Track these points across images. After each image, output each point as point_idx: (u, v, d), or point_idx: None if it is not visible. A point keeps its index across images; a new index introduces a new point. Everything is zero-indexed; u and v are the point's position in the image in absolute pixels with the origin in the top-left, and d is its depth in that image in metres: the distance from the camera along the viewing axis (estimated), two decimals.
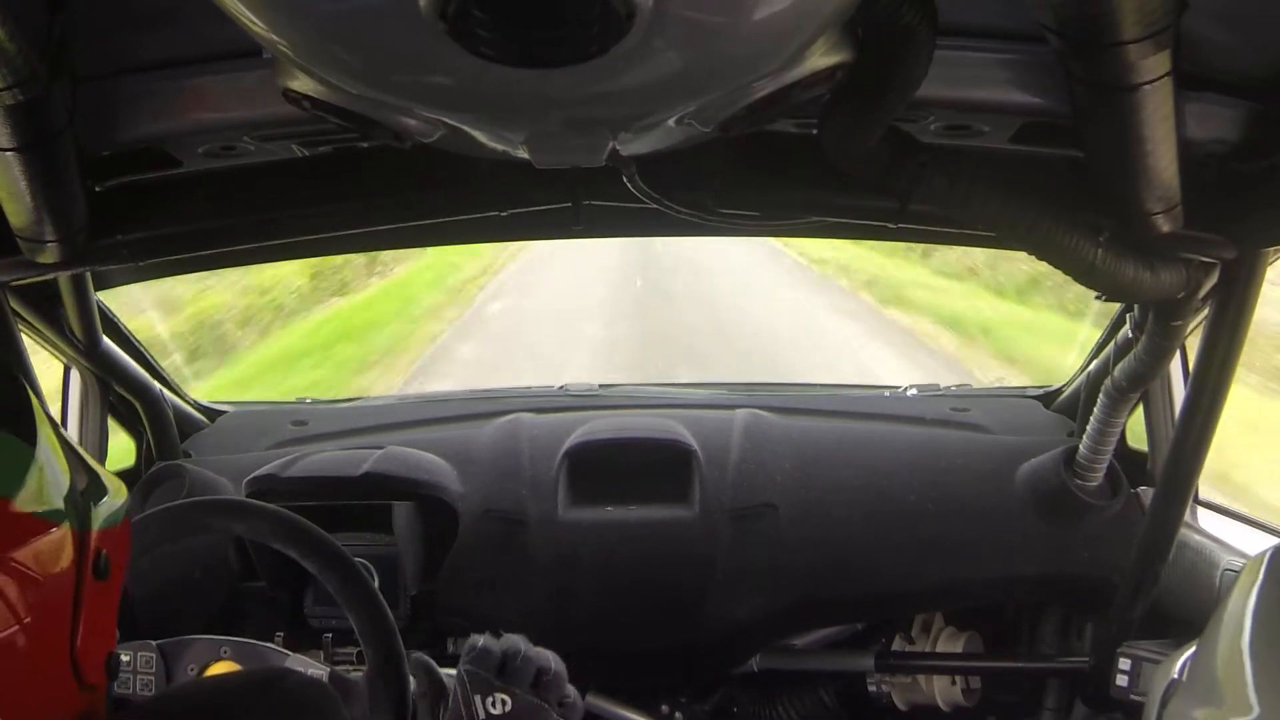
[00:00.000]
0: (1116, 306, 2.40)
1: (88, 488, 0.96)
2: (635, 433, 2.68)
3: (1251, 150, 1.51)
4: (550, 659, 1.54)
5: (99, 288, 2.40)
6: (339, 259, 12.33)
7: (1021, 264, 11.70)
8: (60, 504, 0.90)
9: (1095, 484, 2.47)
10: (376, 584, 1.71)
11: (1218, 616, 1.20)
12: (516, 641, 1.56)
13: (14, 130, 1.36)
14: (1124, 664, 2.23)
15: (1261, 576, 1.16)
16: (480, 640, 1.55)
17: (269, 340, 12.64)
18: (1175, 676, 1.39)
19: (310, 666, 1.80)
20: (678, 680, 2.81)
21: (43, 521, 0.87)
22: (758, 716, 2.83)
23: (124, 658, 1.75)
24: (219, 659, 1.80)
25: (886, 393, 3.23)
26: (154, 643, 1.79)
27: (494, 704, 1.48)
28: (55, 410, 2.33)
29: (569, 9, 0.93)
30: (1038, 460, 2.55)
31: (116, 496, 1.01)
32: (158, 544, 1.66)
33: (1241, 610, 1.13)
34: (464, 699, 1.47)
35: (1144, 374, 2.16)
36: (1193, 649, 1.39)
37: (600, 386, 3.18)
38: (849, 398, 3.18)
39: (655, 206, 1.87)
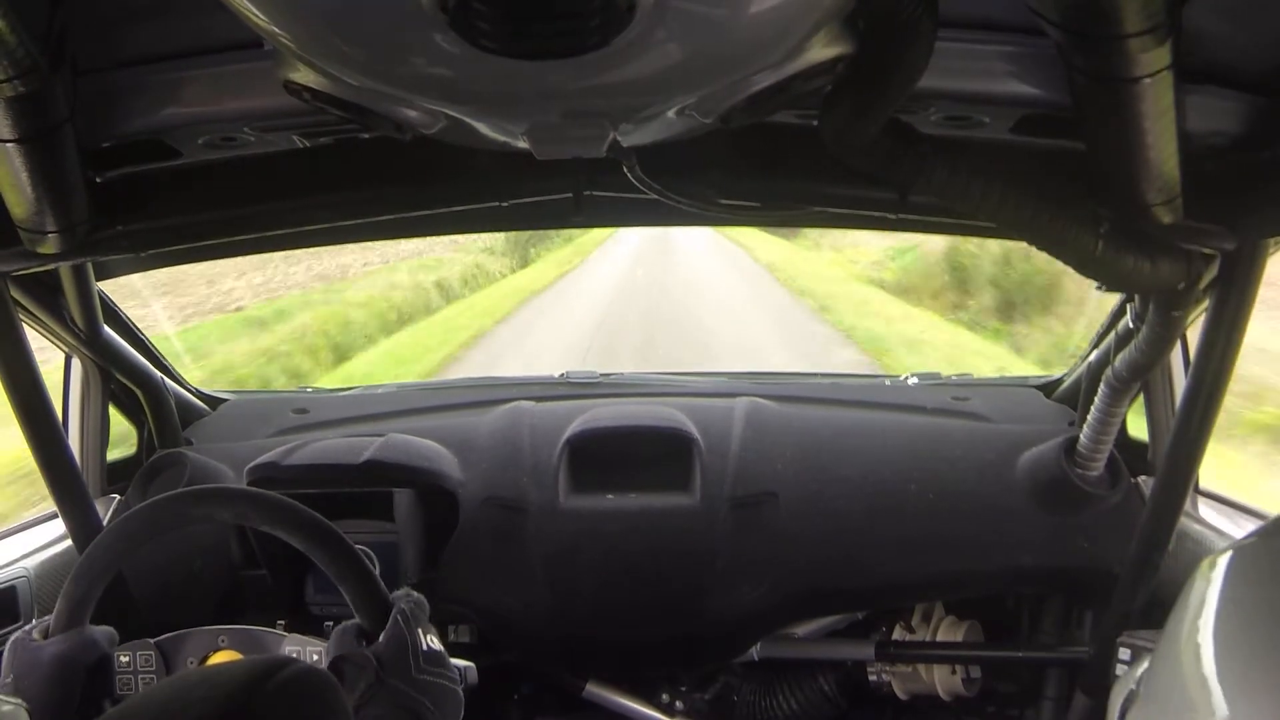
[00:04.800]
0: (1117, 296, 2.40)
1: None
2: (636, 421, 2.68)
3: (1252, 142, 1.51)
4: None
5: (100, 277, 2.41)
6: None
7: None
8: None
9: (1096, 474, 2.47)
10: (378, 571, 1.71)
11: (1174, 625, 1.20)
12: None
13: (15, 122, 1.36)
14: (1124, 654, 2.23)
15: (1221, 580, 1.15)
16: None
17: None
18: (1132, 688, 1.38)
19: (308, 645, 1.80)
20: (678, 669, 2.82)
21: None
22: (758, 705, 2.84)
23: (123, 658, 1.75)
24: (218, 649, 1.80)
25: (887, 381, 3.23)
26: (151, 641, 1.79)
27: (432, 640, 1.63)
28: (56, 399, 2.33)
29: (570, 1, 0.93)
30: (1038, 450, 2.55)
31: None
32: (145, 539, 1.65)
33: (1201, 614, 1.12)
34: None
35: (1144, 364, 2.16)
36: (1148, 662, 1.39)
37: (601, 375, 3.18)
38: (850, 386, 3.18)
39: (656, 197, 1.87)
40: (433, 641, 1.62)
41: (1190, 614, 1.15)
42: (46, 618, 1.63)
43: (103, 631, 1.69)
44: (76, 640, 1.62)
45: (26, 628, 1.65)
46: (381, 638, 1.57)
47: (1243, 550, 1.20)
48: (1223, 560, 1.18)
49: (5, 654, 1.62)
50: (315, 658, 1.77)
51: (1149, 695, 1.24)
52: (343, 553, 1.60)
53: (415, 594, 1.68)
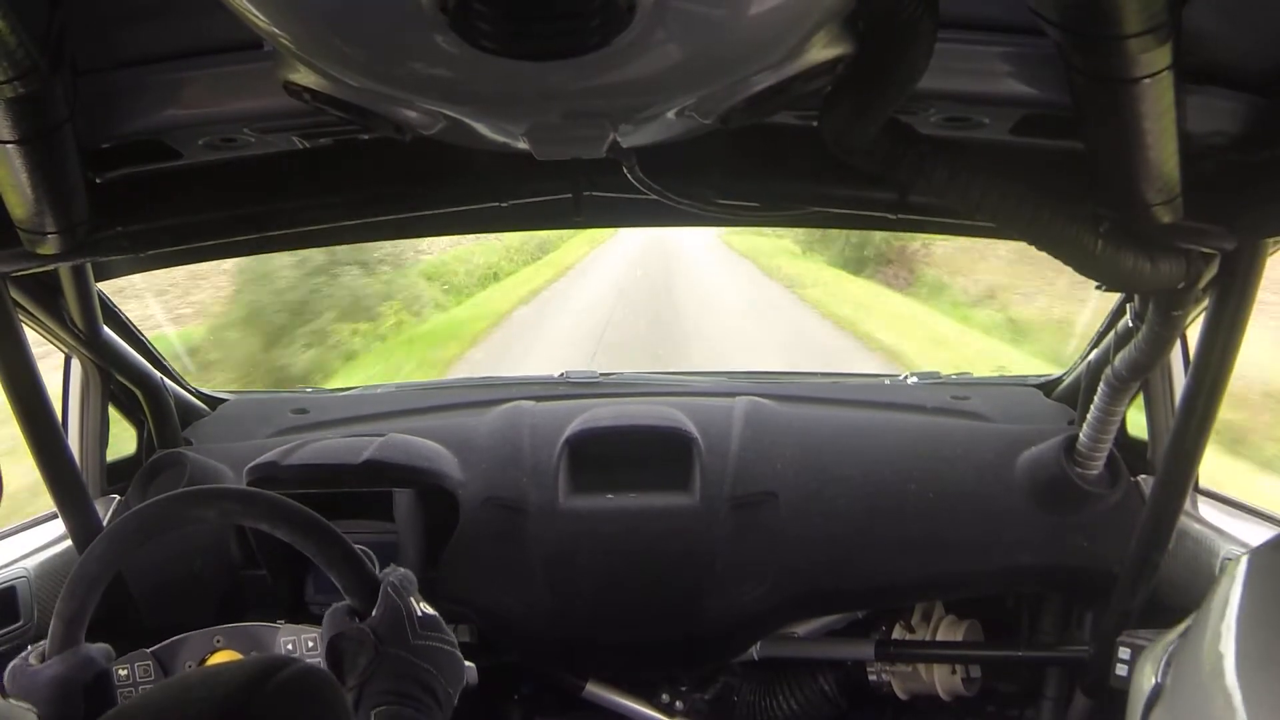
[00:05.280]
0: (1117, 295, 2.40)
1: None
2: (636, 420, 2.68)
3: (1252, 142, 1.51)
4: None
5: (99, 278, 2.41)
6: None
7: None
8: None
9: (1095, 473, 2.47)
10: (378, 570, 1.71)
11: (1199, 625, 1.20)
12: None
13: (15, 123, 1.36)
14: (1124, 653, 2.24)
15: (1240, 588, 1.15)
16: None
17: None
18: (1157, 681, 1.38)
19: (303, 632, 1.80)
20: (678, 669, 2.82)
21: None
22: (758, 705, 2.84)
23: (121, 672, 1.75)
24: (215, 650, 1.80)
25: (887, 381, 3.23)
26: (148, 651, 1.79)
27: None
28: (56, 399, 2.33)
29: (570, 1, 0.93)
30: (1038, 449, 2.55)
31: None
32: (134, 548, 1.65)
33: (1223, 622, 1.13)
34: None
35: (1144, 364, 2.16)
36: (1172, 645, 1.39)
37: (601, 374, 3.18)
38: (849, 385, 3.17)
39: (655, 198, 1.87)
40: (426, 608, 1.62)
41: (1213, 619, 1.16)
42: (42, 642, 1.63)
43: (98, 648, 1.68)
44: (73, 660, 1.61)
45: (23, 654, 1.65)
46: (375, 611, 1.57)
47: (1261, 556, 1.20)
48: (1242, 566, 1.19)
49: (5, 681, 1.62)
50: (311, 644, 1.77)
51: (1173, 700, 1.25)
52: (327, 538, 1.60)
53: (401, 569, 1.68)
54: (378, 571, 1.64)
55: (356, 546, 1.64)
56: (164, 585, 2.48)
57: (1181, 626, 1.41)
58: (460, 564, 2.49)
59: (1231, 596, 1.15)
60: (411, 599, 1.61)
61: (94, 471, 2.63)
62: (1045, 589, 2.67)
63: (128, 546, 1.63)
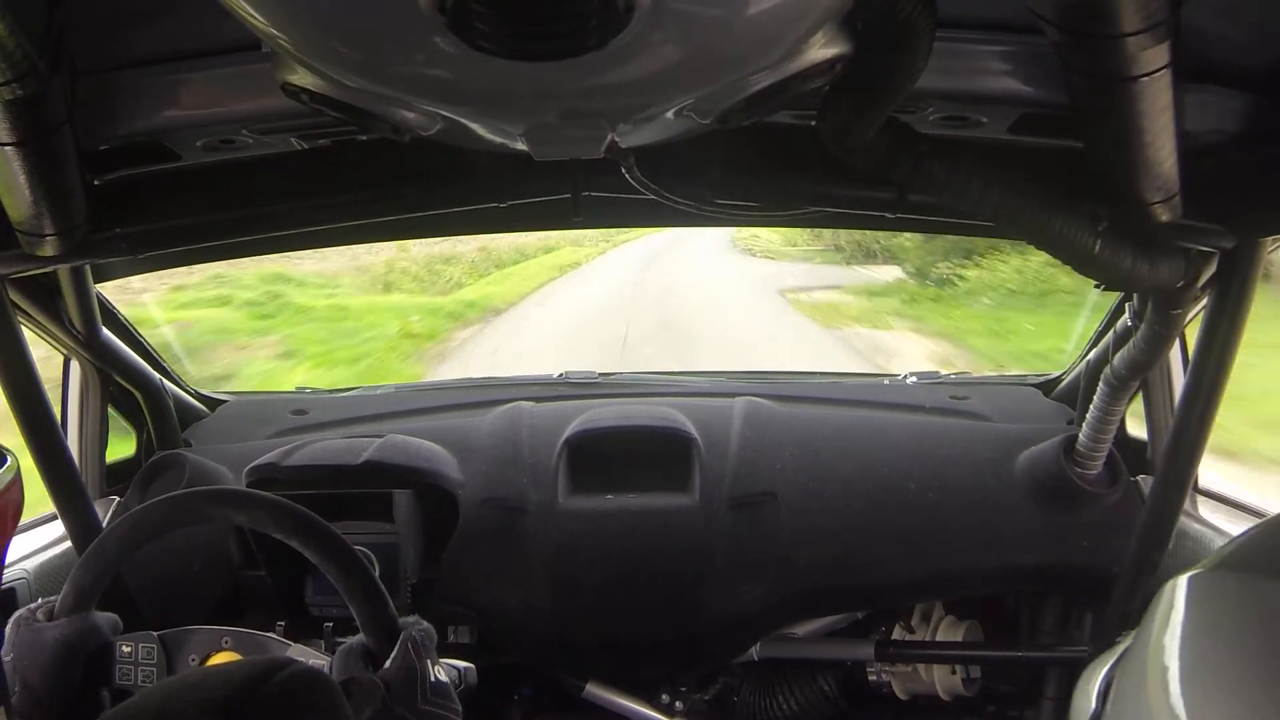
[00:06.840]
0: (1115, 295, 2.40)
1: None
2: (635, 421, 2.68)
3: (1250, 141, 1.51)
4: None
5: (98, 280, 2.41)
6: None
7: None
8: None
9: (1095, 472, 2.47)
10: (377, 572, 1.71)
11: (1138, 650, 1.19)
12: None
13: (13, 125, 1.36)
14: None
15: (1181, 614, 1.15)
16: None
17: None
18: (1095, 707, 1.38)
19: (311, 657, 1.80)
20: (678, 669, 2.82)
21: None
22: (758, 705, 2.84)
23: (125, 649, 1.75)
24: (220, 649, 1.80)
25: (886, 380, 3.23)
26: (155, 634, 1.79)
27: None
28: (55, 401, 2.33)
29: (567, 2, 0.93)
30: (1037, 448, 2.55)
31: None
32: (158, 534, 1.66)
33: (1164, 649, 1.12)
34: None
35: (1143, 363, 2.16)
36: (1109, 669, 1.39)
37: (600, 374, 3.18)
38: (849, 385, 3.17)
39: (654, 198, 1.87)
40: (439, 673, 1.62)
41: (1153, 645, 1.15)
42: (52, 598, 1.62)
43: (106, 618, 1.68)
44: (80, 625, 1.62)
45: (31, 606, 1.64)
46: (389, 664, 1.56)
47: (1198, 581, 1.20)
48: (1181, 590, 1.18)
49: (7, 630, 1.62)
50: None
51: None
52: (358, 571, 1.61)
53: (424, 623, 1.68)
54: (376, 571, 1.64)
55: (356, 548, 1.64)
56: (163, 584, 2.48)
57: (1119, 649, 1.40)
58: (460, 564, 2.49)
59: (1171, 622, 1.14)
60: (428, 660, 1.61)
61: (93, 473, 2.63)
62: (1045, 589, 2.67)
63: (150, 533, 1.64)
